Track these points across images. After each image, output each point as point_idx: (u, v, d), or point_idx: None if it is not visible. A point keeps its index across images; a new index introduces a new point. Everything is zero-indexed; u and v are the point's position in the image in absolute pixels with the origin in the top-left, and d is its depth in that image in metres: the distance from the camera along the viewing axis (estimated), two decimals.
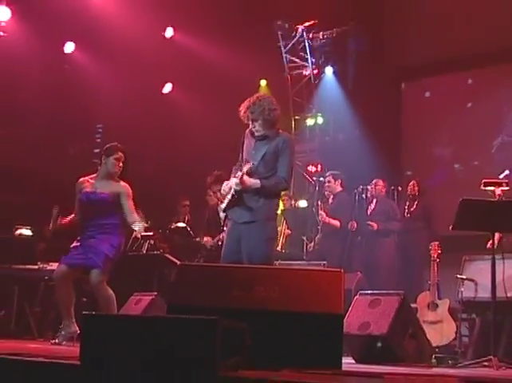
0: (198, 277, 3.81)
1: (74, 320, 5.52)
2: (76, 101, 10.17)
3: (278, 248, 8.70)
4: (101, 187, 5.62)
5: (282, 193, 9.58)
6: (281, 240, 8.83)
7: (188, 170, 10.32)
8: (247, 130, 5.06)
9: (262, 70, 11.66)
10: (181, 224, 8.21)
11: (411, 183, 8.31)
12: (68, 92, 9.98)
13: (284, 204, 9.40)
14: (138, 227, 5.61)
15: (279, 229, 8.81)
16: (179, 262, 6.57)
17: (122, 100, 10.66)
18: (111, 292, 5.50)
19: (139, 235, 8.14)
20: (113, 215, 5.61)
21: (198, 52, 10.91)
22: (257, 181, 4.81)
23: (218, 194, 7.05)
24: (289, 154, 4.91)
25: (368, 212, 8.12)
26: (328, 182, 8.20)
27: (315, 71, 11.78)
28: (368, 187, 8.18)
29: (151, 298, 6.23)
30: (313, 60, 11.76)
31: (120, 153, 5.65)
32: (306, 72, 11.87)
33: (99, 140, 10.83)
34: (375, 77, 10.87)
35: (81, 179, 5.77)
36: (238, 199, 4.84)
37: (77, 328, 5.40)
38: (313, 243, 8.33)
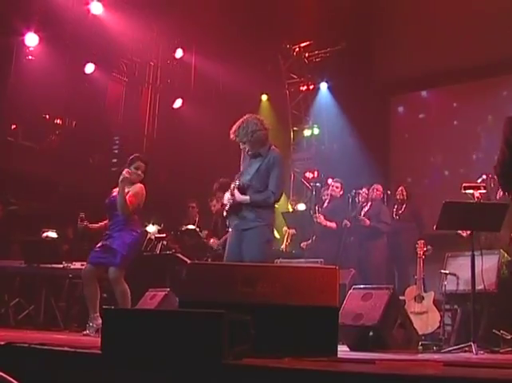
0: (207, 274, 3.82)
1: (98, 314, 5.55)
2: (96, 116, 10.21)
3: (282, 247, 8.71)
4: (117, 190, 5.63)
5: (290, 199, 9.70)
6: (285, 240, 8.82)
7: (197, 177, 10.34)
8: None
9: (264, 86, 11.70)
10: (191, 226, 8.21)
11: (400, 188, 8.25)
12: (89, 109, 10.03)
13: (292, 206, 9.42)
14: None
15: (284, 229, 8.82)
16: (189, 261, 6.58)
17: (136, 115, 10.71)
18: (126, 287, 5.55)
19: (152, 237, 8.18)
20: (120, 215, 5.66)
21: (206, 70, 10.97)
22: (247, 197, 4.85)
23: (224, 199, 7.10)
24: (278, 169, 4.92)
25: (362, 213, 8.09)
26: (337, 188, 8.13)
27: (311, 86, 11.82)
28: (361, 191, 8.16)
29: (164, 293, 6.23)
30: (310, 76, 11.80)
31: (140, 162, 5.68)
32: (303, 87, 11.90)
33: (116, 151, 10.86)
34: (365, 91, 10.90)
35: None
36: (236, 208, 4.88)
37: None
38: (310, 242, 8.31)
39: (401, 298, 5.91)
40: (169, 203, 9.75)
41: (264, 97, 12.14)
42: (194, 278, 3.80)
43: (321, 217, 7.89)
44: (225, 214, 4.98)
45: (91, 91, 10.02)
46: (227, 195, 4.95)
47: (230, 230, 5.11)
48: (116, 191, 5.63)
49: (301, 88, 11.93)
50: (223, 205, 5.06)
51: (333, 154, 11.45)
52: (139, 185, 5.69)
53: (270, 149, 4.97)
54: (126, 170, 5.55)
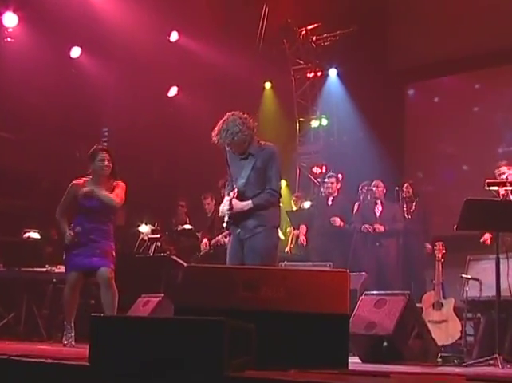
0: (205, 278, 3.81)
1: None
2: (83, 105, 10.20)
3: (287, 249, 8.71)
4: (100, 189, 5.64)
5: (294, 195, 9.71)
6: (290, 241, 8.83)
7: (195, 172, 10.34)
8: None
9: (267, 73, 11.68)
10: (187, 226, 8.23)
11: (405, 185, 8.25)
12: (75, 97, 10.02)
13: (295, 204, 9.41)
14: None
15: (288, 229, 8.82)
16: (185, 264, 6.58)
17: (127, 104, 10.69)
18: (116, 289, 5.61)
19: (146, 237, 8.19)
20: (111, 220, 5.77)
21: (203, 55, 10.93)
22: (248, 203, 4.83)
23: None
24: (276, 165, 4.90)
25: (377, 214, 8.10)
26: (331, 183, 8.18)
27: (319, 73, 11.80)
28: (372, 188, 8.17)
29: (158, 299, 6.24)
30: (317, 62, 11.77)
31: (102, 153, 5.68)
32: (310, 74, 11.88)
33: (105, 144, 10.85)
34: (378, 79, 10.86)
35: (76, 182, 5.76)
36: (236, 218, 4.86)
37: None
38: (303, 238, 8.35)
39: (418, 305, 5.90)
40: (163, 201, 9.74)
41: (267, 85, 12.12)
42: (192, 282, 3.80)
43: (337, 220, 7.92)
44: (225, 225, 4.95)
45: (77, 77, 10.01)
46: (223, 207, 4.91)
47: (226, 231, 5.11)
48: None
49: (308, 75, 11.90)
50: (220, 216, 5.05)
51: (343, 147, 11.44)
52: (120, 183, 5.74)
53: (261, 146, 4.94)
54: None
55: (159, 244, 8.12)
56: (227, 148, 4.94)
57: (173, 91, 11.33)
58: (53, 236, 8.92)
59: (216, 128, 4.87)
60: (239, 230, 4.89)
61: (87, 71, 10.17)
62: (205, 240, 7.38)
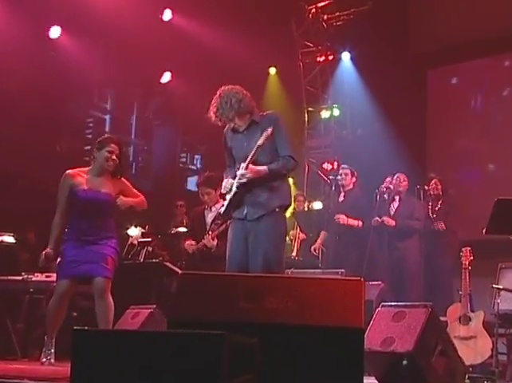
0: (202, 287, 3.81)
1: None
2: (64, 93, 10.21)
3: (293, 254, 8.71)
4: (101, 185, 5.63)
5: (295, 194, 9.71)
6: (295, 246, 8.83)
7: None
8: (226, 128, 5.11)
9: (272, 57, 11.69)
10: (182, 229, 8.23)
11: (433, 181, 8.34)
12: (55, 83, 10.00)
13: (297, 206, 9.40)
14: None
15: (292, 233, 8.82)
16: (180, 271, 6.58)
17: (115, 91, 10.70)
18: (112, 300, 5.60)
19: (135, 242, 8.20)
20: (112, 215, 5.72)
21: (200, 36, 10.93)
22: (264, 167, 4.85)
23: (206, 197, 7.12)
24: (284, 130, 4.96)
25: (391, 212, 8.11)
26: (345, 175, 8.19)
27: (330, 57, 11.80)
28: (390, 186, 8.17)
29: (149, 311, 6.23)
30: (329, 44, 11.78)
31: (113, 145, 5.66)
32: (321, 58, 11.88)
33: (90, 136, 10.88)
34: (398, 64, 10.87)
35: (71, 173, 5.69)
36: (242, 194, 4.86)
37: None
38: (317, 245, 8.34)
39: (442, 318, 5.89)
40: (156, 200, 9.74)
41: (272, 71, 12.15)
42: (187, 291, 3.80)
43: (343, 216, 7.91)
44: (224, 208, 4.96)
45: (57, 61, 10.00)
46: (225, 184, 4.91)
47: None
48: (106, 189, 5.63)
49: (318, 59, 11.93)
50: (222, 195, 5.04)
51: (357, 140, 11.46)
52: (124, 182, 5.75)
53: (263, 114, 5.03)
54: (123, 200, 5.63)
55: (150, 249, 8.13)
56: (229, 126, 4.96)
57: (166, 77, 11.34)
58: (29, 240, 8.93)
59: (213, 106, 4.91)
60: (246, 209, 4.87)
61: (68, 54, 10.14)
62: (189, 241, 7.40)
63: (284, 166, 4.91)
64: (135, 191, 5.81)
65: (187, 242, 7.35)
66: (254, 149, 4.77)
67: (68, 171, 5.71)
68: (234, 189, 4.87)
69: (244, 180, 4.82)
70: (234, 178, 4.91)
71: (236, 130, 5.04)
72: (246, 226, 4.90)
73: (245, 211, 4.90)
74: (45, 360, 5.57)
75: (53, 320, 5.65)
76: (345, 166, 8.36)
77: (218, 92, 4.94)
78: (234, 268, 4.85)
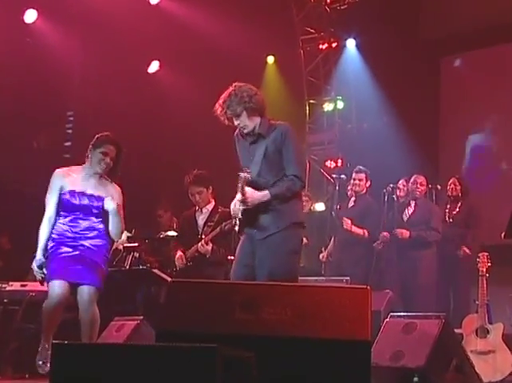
0: (194, 296, 3.82)
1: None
2: (41, 83, 10.17)
3: None
4: (94, 187, 5.63)
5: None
6: None
7: (180, 166, 10.33)
8: (236, 132, 5.14)
9: (270, 44, 11.68)
10: (171, 233, 8.23)
11: (451, 181, 8.28)
12: (31, 73, 9.98)
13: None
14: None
15: None
16: (169, 279, 6.57)
17: (98, 82, 10.67)
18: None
19: (120, 247, 8.18)
20: (104, 220, 5.69)
21: (191, 22, 10.93)
22: (266, 192, 4.86)
23: (197, 197, 7.13)
24: (292, 145, 4.95)
25: (405, 218, 8.08)
26: (360, 180, 8.14)
27: (334, 44, 11.81)
28: (399, 185, 8.16)
29: (135, 323, 6.24)
30: (332, 30, 11.78)
31: (108, 146, 5.65)
32: (323, 45, 11.89)
33: (70, 131, 10.87)
34: (407, 51, 10.87)
35: (61, 171, 5.68)
36: (251, 215, 4.89)
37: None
38: (326, 253, 8.33)
39: (457, 330, 5.91)
40: (143, 202, 9.75)
41: (270, 59, 12.15)
42: (177, 301, 3.81)
43: (349, 222, 7.90)
44: (237, 229, 4.99)
45: (33, 47, 9.98)
46: (234, 208, 4.94)
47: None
48: (99, 192, 5.63)
49: (321, 46, 11.93)
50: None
51: (363, 136, 11.47)
52: (117, 187, 5.75)
53: (272, 125, 5.01)
54: (118, 204, 5.62)
55: (137, 255, 8.11)
56: (235, 122, 4.96)
57: (154, 66, 11.34)
58: (3, 246, 8.94)
59: (222, 97, 4.93)
60: (254, 230, 4.92)
61: (46, 40, 10.12)
62: (179, 253, 7.40)
63: (288, 189, 4.91)
64: (122, 214, 5.72)
65: (177, 255, 7.36)
66: (243, 178, 4.81)
67: (57, 170, 5.71)
68: (240, 213, 4.90)
69: (244, 207, 4.86)
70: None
71: (244, 136, 5.05)
72: (253, 240, 4.94)
73: (252, 230, 4.94)
74: (41, 362, 5.55)
75: (51, 321, 5.57)
76: (361, 168, 8.24)
77: (230, 88, 4.95)
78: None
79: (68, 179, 5.63)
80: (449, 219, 8.17)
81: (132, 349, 3.23)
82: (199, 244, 7.06)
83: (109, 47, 10.58)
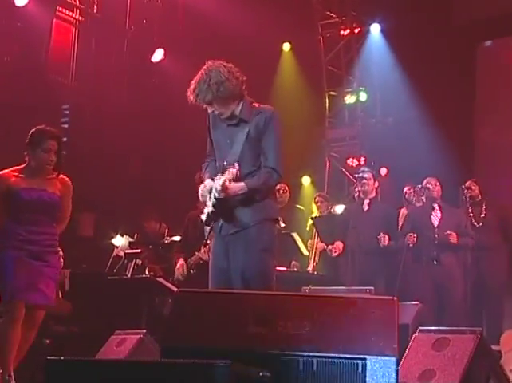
0: (202, 308, 3.82)
1: None
2: (34, 73, 10.22)
3: (309, 268, 8.72)
4: (45, 183, 5.62)
5: (316, 195, 9.72)
6: (313, 258, 8.83)
7: (186, 164, 10.36)
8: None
9: (286, 30, 11.70)
10: (177, 238, 8.25)
11: (468, 183, 8.22)
12: (23, 61, 10.04)
13: (318, 209, 9.40)
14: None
15: (309, 242, 8.83)
16: (175, 289, 6.59)
17: (96, 72, 10.71)
18: None
19: (122, 253, 8.21)
20: (56, 220, 5.70)
21: (198, 7, 10.96)
22: (242, 185, 4.83)
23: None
24: (275, 133, 4.91)
25: (435, 222, 8.08)
26: (368, 179, 8.18)
27: (357, 30, 11.80)
28: (429, 187, 8.16)
29: (138, 337, 6.25)
30: (354, 14, 11.78)
31: (49, 141, 5.62)
32: (345, 31, 11.89)
33: (66, 126, 10.90)
34: (439, 37, 10.85)
35: (4, 173, 5.66)
36: (222, 206, 4.87)
37: None
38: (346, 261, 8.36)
39: (494, 347, 5.89)
40: (145, 204, 9.77)
41: (286, 47, 12.17)
42: (184, 313, 3.81)
43: (387, 238, 7.90)
44: (204, 218, 4.97)
45: (26, 34, 10.02)
46: (203, 190, 4.90)
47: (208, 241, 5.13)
48: (52, 189, 5.63)
49: (342, 32, 11.95)
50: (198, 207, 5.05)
51: (388, 131, 11.46)
52: (67, 180, 5.74)
53: (256, 108, 4.96)
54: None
55: (139, 262, 8.15)
56: (209, 110, 4.93)
57: (158, 55, 11.36)
58: None
59: (193, 81, 4.86)
60: (221, 222, 4.90)
61: (39, 25, 10.16)
62: (181, 261, 7.40)
63: (265, 182, 4.88)
64: (69, 204, 5.74)
65: (178, 264, 7.36)
66: (232, 172, 4.74)
67: (0, 173, 5.67)
68: (211, 202, 4.85)
69: (220, 196, 4.80)
70: (212, 178, 4.89)
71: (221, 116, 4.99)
72: (224, 240, 4.93)
73: (220, 224, 4.93)
74: None
75: (9, 347, 5.51)
76: (366, 169, 8.36)
77: (201, 71, 4.88)
78: (214, 288, 4.87)
79: (14, 180, 5.60)
80: (478, 223, 8.16)
81: (135, 365, 3.25)
82: (202, 251, 7.07)
83: (109, 33, 10.63)
